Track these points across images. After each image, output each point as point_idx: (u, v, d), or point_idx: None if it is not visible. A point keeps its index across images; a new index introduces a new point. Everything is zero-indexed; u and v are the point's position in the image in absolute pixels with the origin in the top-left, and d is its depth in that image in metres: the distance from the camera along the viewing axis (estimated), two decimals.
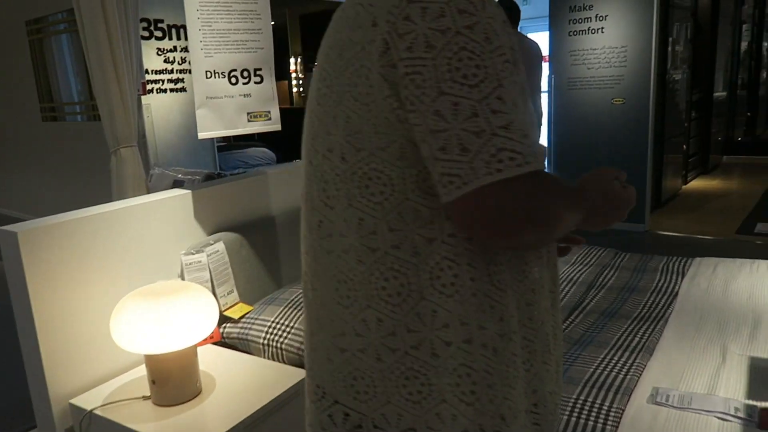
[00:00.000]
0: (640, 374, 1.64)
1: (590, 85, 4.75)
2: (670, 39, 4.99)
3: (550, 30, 4.92)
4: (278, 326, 1.90)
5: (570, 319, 2.04)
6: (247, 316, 1.99)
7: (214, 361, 1.80)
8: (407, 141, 0.68)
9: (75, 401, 1.62)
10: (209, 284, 1.96)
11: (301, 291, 2.01)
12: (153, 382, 1.56)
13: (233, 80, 1.91)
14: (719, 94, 6.69)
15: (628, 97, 4.57)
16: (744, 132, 7.47)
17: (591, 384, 1.60)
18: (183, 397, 1.58)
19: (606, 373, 1.65)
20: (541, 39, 8.40)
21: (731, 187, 5.98)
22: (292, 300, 2.00)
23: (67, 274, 1.64)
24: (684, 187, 5.85)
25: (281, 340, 1.86)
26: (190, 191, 2.01)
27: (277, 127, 2.02)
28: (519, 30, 4.44)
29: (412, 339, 0.72)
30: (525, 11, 8.26)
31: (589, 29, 4.69)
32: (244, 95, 1.94)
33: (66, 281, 1.64)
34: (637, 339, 1.84)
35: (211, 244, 1.99)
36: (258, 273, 2.18)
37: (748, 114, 7.64)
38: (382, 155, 0.70)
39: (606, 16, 4.59)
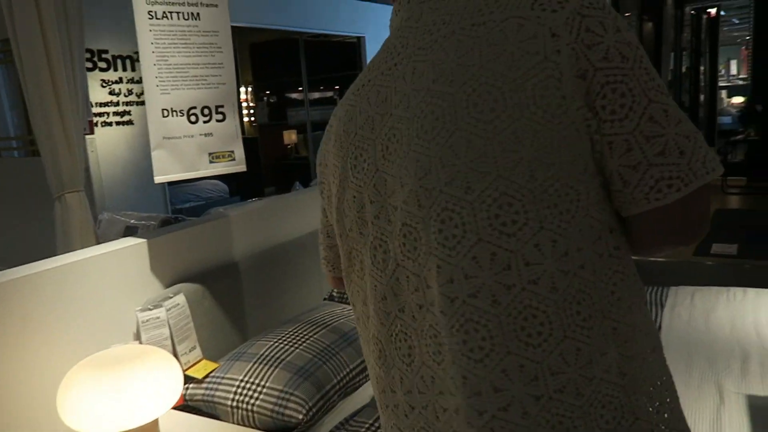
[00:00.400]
0: None
1: None
2: None
3: None
4: (248, 385, 1.73)
5: None
6: (211, 374, 1.81)
7: (175, 430, 1.62)
8: (589, 152, 0.68)
9: None
10: (169, 342, 1.77)
11: (272, 343, 1.85)
12: None
13: (193, 118, 1.76)
14: None
15: None
16: None
17: None
18: None
19: None
20: None
21: None
22: (263, 355, 1.83)
23: (4, 344, 1.44)
24: None
25: (252, 401, 1.69)
26: (145, 240, 1.83)
27: (242, 168, 1.87)
28: None
29: (604, 362, 0.69)
30: None
31: None
32: (205, 134, 1.79)
33: (3, 352, 1.43)
34: None
35: (171, 297, 1.81)
36: (222, 326, 2.01)
37: None
38: (570, 169, 0.67)
39: None
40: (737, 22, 9.44)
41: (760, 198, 6.10)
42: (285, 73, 8.44)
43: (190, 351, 1.85)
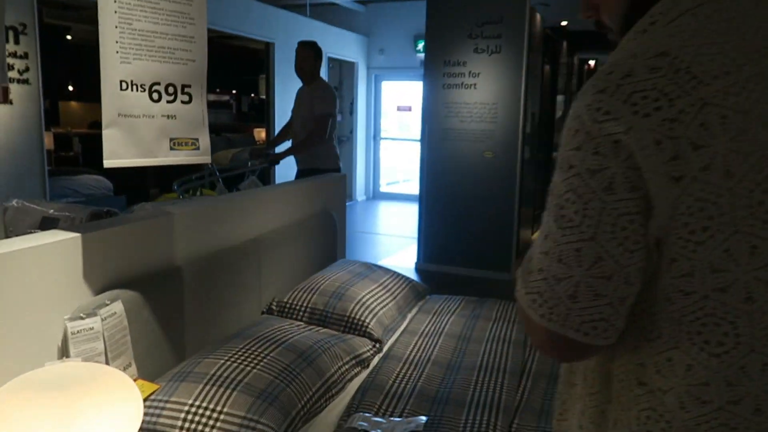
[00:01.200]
0: None
1: (463, 138, 4.88)
2: (529, 102, 5.37)
3: (424, 81, 4.99)
4: (200, 410, 1.48)
5: (522, 385, 1.90)
6: (152, 397, 1.53)
7: None
8: None
9: None
10: (102, 358, 1.48)
11: (223, 361, 1.61)
12: None
13: (155, 96, 1.51)
14: (555, 153, 7.41)
15: (497, 151, 4.76)
16: None
17: None
18: None
19: None
20: (407, 88, 8.68)
21: None
22: (215, 375, 1.58)
23: None
24: (532, 237, 6.27)
25: (207, 429, 1.45)
26: (78, 234, 1.53)
27: (206, 159, 1.63)
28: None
29: None
30: (381, 60, 8.48)
31: (462, 84, 4.84)
32: (168, 116, 1.54)
33: None
34: None
35: (107, 305, 1.52)
36: (160, 340, 1.72)
37: None
38: None
39: (479, 74, 4.78)
40: None
41: None
42: None
43: (125, 369, 1.56)
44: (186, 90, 1.57)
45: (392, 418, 1.64)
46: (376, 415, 1.66)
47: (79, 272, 1.52)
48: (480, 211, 4.85)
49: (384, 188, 9.08)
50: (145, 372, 1.65)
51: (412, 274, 4.92)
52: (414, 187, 5.10)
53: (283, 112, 6.70)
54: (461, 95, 4.85)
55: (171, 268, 1.81)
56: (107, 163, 1.42)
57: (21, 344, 1.35)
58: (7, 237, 1.68)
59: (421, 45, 7.50)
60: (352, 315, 2.21)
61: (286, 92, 6.63)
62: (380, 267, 2.73)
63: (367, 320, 2.21)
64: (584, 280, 0.66)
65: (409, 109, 8.71)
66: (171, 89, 1.53)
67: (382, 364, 2.01)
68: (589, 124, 0.65)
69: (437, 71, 4.90)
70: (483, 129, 4.82)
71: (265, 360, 1.69)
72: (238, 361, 1.66)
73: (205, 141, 1.61)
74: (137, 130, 1.47)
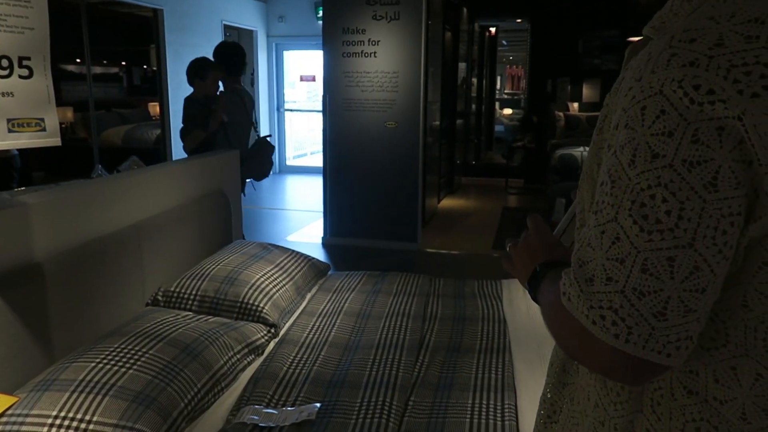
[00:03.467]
0: (516, 418, 1.55)
1: (364, 108, 4.79)
2: (431, 70, 5.35)
3: (324, 49, 4.83)
4: (66, 422, 1.34)
5: (420, 360, 1.88)
6: (9, 412, 1.37)
7: None
8: None
9: None
10: None
11: (94, 364, 1.47)
12: None
13: None
14: (459, 122, 7.50)
15: (400, 120, 4.72)
16: (474, 156, 8.50)
17: None
18: None
19: (484, 422, 1.52)
20: (306, 57, 8.42)
21: (474, 206, 6.68)
22: (83, 381, 1.44)
23: None
24: (438, 206, 6.34)
25: None
26: None
27: (56, 141, 1.45)
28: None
29: None
30: (281, 28, 8.17)
31: (362, 52, 4.73)
32: (4, 94, 1.34)
33: None
34: (494, 376, 1.76)
35: None
36: (20, 347, 1.54)
37: (476, 141, 8.73)
38: None
39: (378, 41, 4.68)
40: (506, 44, 10.64)
41: (534, 197, 6.94)
42: (61, 41, 7.23)
43: None
44: (24, 63, 1.37)
45: (284, 408, 1.57)
46: (268, 405, 1.59)
47: None
48: (385, 181, 4.82)
49: (291, 162, 8.87)
50: (7, 383, 1.48)
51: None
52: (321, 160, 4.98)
53: (177, 85, 6.32)
54: (361, 64, 4.74)
55: (28, 265, 1.62)
56: None
57: None
58: None
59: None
60: (245, 300, 2.10)
61: (180, 62, 6.24)
62: (277, 247, 2.62)
63: (261, 304, 2.11)
64: (676, 294, 0.56)
65: (313, 79, 8.50)
66: (5, 62, 1.33)
67: (277, 350, 1.93)
68: (684, 105, 0.54)
69: (336, 39, 4.76)
70: (385, 98, 4.75)
71: (143, 359, 1.56)
72: (112, 362, 1.52)
73: (52, 121, 1.43)
74: None
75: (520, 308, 2.29)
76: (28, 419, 1.35)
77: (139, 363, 1.53)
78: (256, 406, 1.56)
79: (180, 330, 1.76)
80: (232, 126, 3.37)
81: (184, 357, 1.63)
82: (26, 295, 1.58)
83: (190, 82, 3.37)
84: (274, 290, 2.23)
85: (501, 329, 2.10)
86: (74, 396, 1.39)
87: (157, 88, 6.88)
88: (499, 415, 1.55)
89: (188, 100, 3.39)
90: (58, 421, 1.34)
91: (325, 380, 1.72)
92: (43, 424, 1.33)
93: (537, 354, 1.91)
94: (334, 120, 4.86)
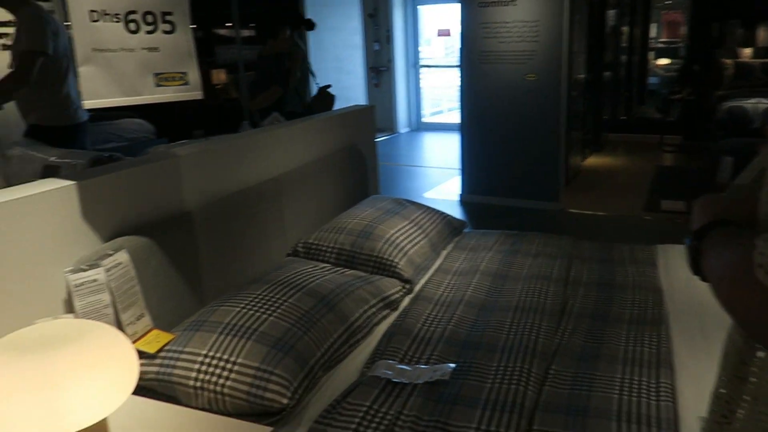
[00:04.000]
0: (673, 399, 1.38)
1: (502, 60, 4.55)
2: (576, 18, 4.93)
3: (460, 1, 4.63)
4: (215, 361, 1.41)
5: (562, 326, 1.76)
6: (167, 348, 1.47)
7: (130, 421, 1.28)
8: None
9: None
10: (111, 310, 1.42)
11: (239, 309, 1.53)
12: None
13: (132, 26, 1.36)
14: (606, 74, 6.90)
15: (540, 73, 4.43)
16: (624, 111, 7.82)
17: (625, 418, 1.32)
18: None
19: (636, 399, 1.38)
20: (442, 11, 8.22)
21: (623, 164, 6.18)
22: (229, 324, 1.51)
23: None
24: (583, 164, 5.94)
25: (222, 381, 1.38)
26: (74, 182, 1.44)
27: (198, 94, 1.50)
28: None
29: None
30: None
31: (500, 1, 4.47)
32: (149, 49, 1.39)
33: None
34: (647, 350, 1.59)
35: (110, 255, 1.44)
36: (174, 288, 1.66)
37: (626, 94, 8.01)
38: None
39: None
40: None
41: (693, 155, 6.25)
42: (215, 7, 7.69)
43: (137, 320, 1.50)
44: (167, 18, 1.41)
45: (418, 365, 1.53)
46: (401, 361, 1.56)
47: (78, 222, 1.44)
48: (524, 137, 4.58)
49: (428, 119, 8.80)
50: (162, 322, 1.60)
51: (456, 207, 4.76)
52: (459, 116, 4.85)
53: (317, 45, 6.46)
54: (500, 14, 4.48)
55: (180, 213, 1.72)
56: (87, 104, 1.30)
57: (21, 299, 1.29)
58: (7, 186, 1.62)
59: None
60: (380, 255, 2.09)
61: (320, 22, 6.38)
62: (412, 203, 2.58)
63: (396, 259, 2.09)
64: None
65: (448, 33, 8.27)
66: (150, 18, 1.38)
67: (411, 306, 1.90)
68: None
69: None
70: (524, 49, 4.47)
71: (282, 307, 1.60)
72: (255, 308, 1.57)
73: (194, 74, 1.47)
74: (116, 66, 1.34)
75: (679, 276, 2.05)
76: (183, 355, 1.44)
77: (279, 311, 1.58)
78: (390, 361, 1.55)
79: (317, 281, 1.79)
80: (300, 80, 3.37)
81: (321, 307, 1.65)
82: (179, 242, 1.68)
83: (263, 40, 3.41)
84: (409, 246, 2.20)
85: (656, 299, 1.89)
86: (221, 337, 1.47)
87: None
88: (653, 393, 1.40)
89: (261, 58, 3.43)
90: (207, 360, 1.42)
91: (459, 340, 1.66)
92: (195, 361, 1.42)
93: (699, 330, 1.70)
94: (471, 74, 4.67)
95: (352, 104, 3.23)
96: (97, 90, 1.31)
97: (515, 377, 1.45)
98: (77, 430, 0.97)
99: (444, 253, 2.40)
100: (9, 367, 0.95)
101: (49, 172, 1.65)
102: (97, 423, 1.04)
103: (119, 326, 1.45)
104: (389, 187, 5.30)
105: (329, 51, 6.86)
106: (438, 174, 5.99)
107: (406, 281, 2.06)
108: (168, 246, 1.63)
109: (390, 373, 1.49)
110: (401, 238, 2.21)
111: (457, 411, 1.33)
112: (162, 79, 1.42)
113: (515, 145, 4.62)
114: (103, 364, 1.03)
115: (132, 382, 1.08)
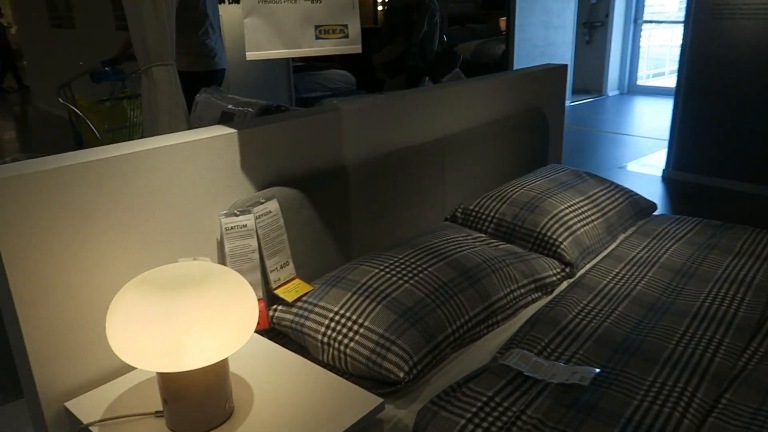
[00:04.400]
0: None
1: (742, 14, 3.81)
2: None
3: None
4: (343, 320, 1.41)
5: (752, 347, 1.44)
6: (304, 298, 1.51)
7: (255, 361, 1.35)
8: None
9: (70, 405, 1.22)
10: (256, 255, 1.48)
11: (377, 271, 1.50)
12: (165, 401, 1.13)
13: None
14: None
15: None
16: None
17: None
18: (206, 424, 1.13)
19: None
20: None
21: None
22: (365, 285, 1.49)
23: (59, 242, 1.20)
24: None
25: (346, 341, 1.38)
26: (239, 130, 1.51)
27: (356, 48, 1.45)
28: None
29: None
30: None
31: None
32: (312, 0, 1.37)
33: (59, 252, 1.20)
34: None
35: (262, 203, 1.50)
36: (321, 241, 1.69)
37: None
38: None
39: None
40: None
41: None
42: None
43: (281, 267, 1.56)
44: None
45: (557, 362, 1.37)
46: (540, 354, 1.41)
47: (237, 169, 1.52)
48: (756, 109, 3.84)
49: (643, 81, 7.89)
50: (305, 272, 1.64)
51: (658, 184, 4.23)
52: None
53: None
54: None
55: (337, 168, 1.73)
56: (249, 56, 1.33)
57: (180, 236, 1.41)
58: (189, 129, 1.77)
59: None
60: (543, 231, 1.91)
61: None
62: (594, 176, 2.31)
63: (560, 239, 1.89)
64: None
65: None
66: None
67: (567, 293, 1.70)
68: None
69: None
70: None
71: (421, 275, 1.54)
72: (393, 272, 1.54)
73: (354, 27, 1.42)
74: (278, 18, 1.34)
75: None
76: (316, 309, 1.46)
77: (416, 279, 1.52)
78: (527, 352, 1.41)
79: (465, 252, 1.69)
80: (425, 35, 3.04)
81: (462, 281, 1.56)
82: (332, 197, 1.69)
83: None
84: (579, 225, 1.97)
85: None
86: (354, 297, 1.46)
87: (505, 2, 6.77)
88: None
89: (391, 9, 3.18)
90: (337, 317, 1.42)
91: (614, 341, 1.45)
92: (326, 317, 1.43)
93: None
94: (699, 31, 4.01)
95: (555, 62, 2.96)
96: (260, 42, 1.34)
97: (672, 399, 1.22)
98: (193, 367, 1.03)
99: (621, 237, 2.12)
100: (142, 302, 1.03)
101: (226, 117, 1.76)
102: (215, 363, 1.10)
103: (264, 271, 1.52)
104: (582, 155, 4.89)
105: (537, 2, 6.42)
106: (644, 144, 5.36)
107: (567, 264, 1.85)
108: (320, 199, 1.66)
109: (523, 365, 1.35)
110: (571, 215, 1.99)
111: (590, 425, 1.16)
112: (322, 31, 1.40)
113: (747, 117, 3.90)
114: (226, 309, 1.07)
115: (250, 328, 1.11)
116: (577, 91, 7.67)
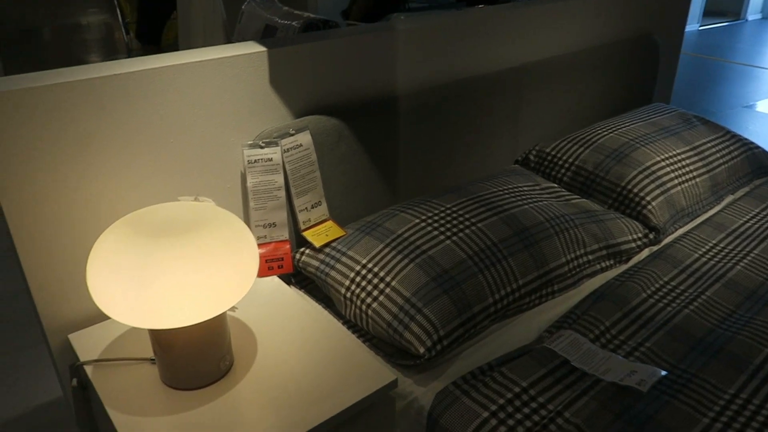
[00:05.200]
0: None
1: None
2: None
3: None
4: (370, 275, 1.25)
5: None
6: (333, 244, 1.36)
7: (268, 309, 1.23)
8: None
9: (73, 338, 1.17)
10: (282, 192, 1.33)
11: (418, 221, 1.31)
12: (155, 353, 1.03)
13: None
14: None
15: None
16: None
17: None
18: (196, 382, 1.03)
19: None
20: None
21: None
22: (401, 236, 1.31)
23: (55, 168, 1.09)
24: None
25: (369, 300, 1.21)
26: (265, 50, 1.32)
27: None
28: None
29: None
30: None
31: None
32: None
33: (55, 177, 1.10)
34: None
35: (291, 134, 1.33)
36: (362, 182, 1.50)
37: None
38: None
39: None
40: None
41: None
42: None
43: (312, 207, 1.40)
44: None
45: (615, 354, 1.14)
46: (597, 340, 1.19)
47: (269, 92, 1.34)
48: None
49: None
50: (340, 213, 1.48)
51: None
52: None
53: None
54: None
55: (386, 97, 1.51)
56: None
57: (198, 166, 1.28)
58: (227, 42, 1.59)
59: None
60: (628, 186, 1.61)
61: None
62: (707, 122, 1.92)
63: (649, 197, 1.59)
64: None
65: None
66: None
67: (647, 264, 1.43)
68: None
69: None
70: None
71: (466, 231, 1.32)
72: (435, 225, 1.33)
73: None
74: None
75: None
76: (343, 258, 1.31)
77: (460, 234, 1.31)
78: (579, 336, 1.18)
79: (526, 206, 1.44)
80: None
81: (516, 242, 1.33)
82: (378, 130, 1.49)
83: None
84: (676, 181, 1.65)
85: None
86: (386, 250, 1.28)
87: None
88: None
89: None
90: (363, 271, 1.26)
91: (692, 335, 1.19)
92: (352, 269, 1.27)
93: None
94: None
95: None
96: None
97: (757, 423, 0.97)
98: (183, 325, 0.91)
99: (729, 199, 1.77)
100: (127, 246, 0.91)
101: (269, 31, 1.57)
102: (204, 321, 0.98)
103: (291, 211, 1.37)
104: (702, 91, 4.26)
105: None
106: None
107: (652, 228, 1.56)
108: (363, 133, 1.45)
109: (572, 352, 1.14)
110: (668, 168, 1.66)
111: None
112: None
113: None
114: (218, 261, 0.93)
115: (245, 285, 0.97)
116: (708, 13, 6.70)
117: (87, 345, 1.14)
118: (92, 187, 1.14)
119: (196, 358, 1.01)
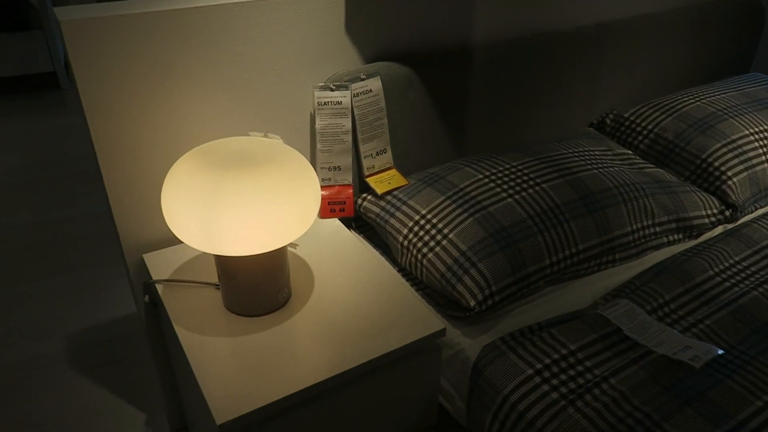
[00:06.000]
0: None
1: None
2: None
3: None
4: (428, 226, 1.26)
5: None
6: (395, 193, 1.37)
7: (328, 250, 1.27)
8: None
9: (147, 258, 1.25)
10: (349, 137, 1.35)
11: (481, 177, 1.31)
12: (219, 278, 1.09)
13: None
14: None
15: None
16: None
17: None
18: (256, 310, 1.09)
19: None
20: None
21: None
22: (462, 190, 1.31)
23: (138, 93, 1.15)
24: None
25: (425, 250, 1.23)
26: None
27: None
28: None
29: None
30: None
31: None
32: None
33: (137, 103, 1.15)
34: None
35: (362, 79, 1.33)
36: (429, 132, 1.49)
37: None
38: None
39: None
40: None
41: None
42: None
43: (377, 154, 1.41)
44: None
45: (671, 329, 1.12)
46: (653, 313, 1.16)
47: (342, 36, 1.34)
48: None
49: None
50: (404, 164, 1.48)
51: None
52: None
53: None
54: None
55: (460, 47, 1.48)
56: None
57: (269, 106, 1.31)
58: None
59: None
60: (709, 159, 1.53)
61: None
62: None
63: (730, 172, 1.50)
64: None
65: None
66: None
67: (719, 242, 1.37)
68: None
69: None
70: None
71: (530, 191, 1.30)
72: (498, 182, 1.32)
73: None
74: None
75: None
76: (403, 207, 1.32)
77: (524, 194, 1.29)
78: (635, 306, 1.16)
79: (595, 171, 1.40)
80: None
81: (580, 206, 1.30)
82: (449, 81, 1.47)
83: None
84: (764, 158, 1.55)
85: None
86: (446, 203, 1.29)
87: None
88: None
89: None
90: (422, 222, 1.27)
91: (758, 318, 1.15)
92: (411, 218, 1.29)
93: None
94: None
95: None
96: None
97: None
98: (248, 254, 0.96)
99: None
100: (189, 177, 0.96)
101: None
102: (266, 252, 1.03)
103: (357, 156, 1.39)
104: None
105: None
106: None
107: (730, 206, 1.49)
108: (434, 83, 1.44)
109: (627, 321, 1.12)
110: (756, 143, 1.57)
111: (684, 417, 0.93)
112: None
113: None
114: (281, 196, 0.97)
115: (308, 221, 1.01)
116: None
117: (160, 265, 1.22)
118: (172, 116, 1.20)
119: (257, 287, 1.06)
